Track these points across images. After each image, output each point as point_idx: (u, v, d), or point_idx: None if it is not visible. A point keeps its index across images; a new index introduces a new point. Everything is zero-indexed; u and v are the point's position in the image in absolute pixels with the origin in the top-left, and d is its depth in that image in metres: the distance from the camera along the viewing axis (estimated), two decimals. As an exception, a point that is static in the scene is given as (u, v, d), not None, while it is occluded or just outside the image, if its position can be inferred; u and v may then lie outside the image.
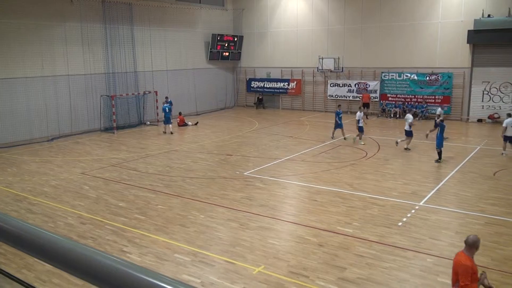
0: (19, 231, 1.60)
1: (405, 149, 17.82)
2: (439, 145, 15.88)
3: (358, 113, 19.40)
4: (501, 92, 24.37)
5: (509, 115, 17.07)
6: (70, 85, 22.97)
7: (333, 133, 20.59)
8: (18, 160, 17.64)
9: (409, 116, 18.03)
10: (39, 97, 21.66)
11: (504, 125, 16.93)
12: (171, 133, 22.95)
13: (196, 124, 25.58)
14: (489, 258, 8.42)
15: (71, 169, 16.06)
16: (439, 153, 15.96)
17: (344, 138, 20.16)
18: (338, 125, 20.11)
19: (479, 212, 10.94)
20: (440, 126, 15.88)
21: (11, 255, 8.69)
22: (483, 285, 5.89)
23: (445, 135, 16.25)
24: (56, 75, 22.31)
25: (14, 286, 2.16)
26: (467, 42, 24.46)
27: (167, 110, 22.93)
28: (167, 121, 22.92)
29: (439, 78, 25.81)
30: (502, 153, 16.85)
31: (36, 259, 1.61)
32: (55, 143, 20.98)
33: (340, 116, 20.01)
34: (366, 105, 27.12)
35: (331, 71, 29.20)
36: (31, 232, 1.58)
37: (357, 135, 19.61)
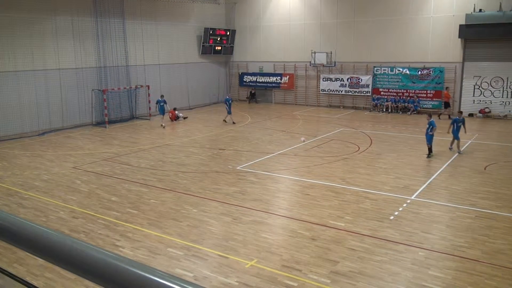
0: (11, 225, 1.58)
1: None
2: (429, 141, 15.98)
3: None
4: (492, 86, 24.54)
5: None
6: (61, 79, 22.77)
7: (451, 144, 16.99)
8: (9, 154, 17.49)
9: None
10: (30, 91, 21.47)
11: None
12: (163, 126, 23.01)
13: (185, 118, 25.45)
14: (480, 251, 8.52)
15: (63, 163, 15.96)
16: (430, 148, 16.06)
17: (450, 148, 16.89)
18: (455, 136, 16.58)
19: (469, 206, 11.04)
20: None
21: (3, 249, 8.63)
22: None
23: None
24: (47, 69, 22.11)
25: (5, 280, 2.15)
26: (459, 37, 24.57)
27: (161, 104, 23.35)
28: (162, 111, 23.34)
29: (431, 72, 25.93)
30: None
31: (28, 254, 1.60)
32: (46, 137, 20.82)
33: (459, 125, 16.48)
34: (446, 105, 24.54)
35: (323, 66, 29.21)
36: (22, 226, 1.57)
37: None
